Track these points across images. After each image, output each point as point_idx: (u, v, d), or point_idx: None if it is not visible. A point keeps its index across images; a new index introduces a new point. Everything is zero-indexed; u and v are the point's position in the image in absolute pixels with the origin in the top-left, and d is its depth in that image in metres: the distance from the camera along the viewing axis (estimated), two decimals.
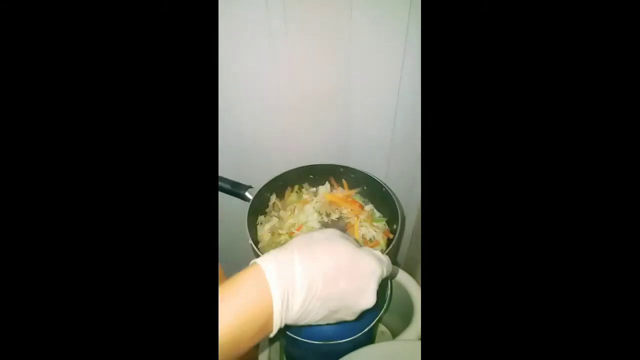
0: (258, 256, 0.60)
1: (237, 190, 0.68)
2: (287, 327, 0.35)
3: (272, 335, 0.34)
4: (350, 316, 0.37)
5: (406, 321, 0.83)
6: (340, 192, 0.74)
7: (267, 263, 0.34)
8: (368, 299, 0.36)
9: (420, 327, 0.81)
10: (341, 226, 0.68)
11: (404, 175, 0.85)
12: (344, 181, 0.75)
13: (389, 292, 0.77)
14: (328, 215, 0.70)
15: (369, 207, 0.73)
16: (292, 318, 0.34)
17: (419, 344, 0.72)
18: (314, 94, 0.71)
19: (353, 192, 0.74)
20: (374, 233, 0.68)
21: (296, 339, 0.69)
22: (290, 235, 0.67)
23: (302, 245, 0.36)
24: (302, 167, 0.74)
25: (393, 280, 0.80)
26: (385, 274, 0.38)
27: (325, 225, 0.69)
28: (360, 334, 0.70)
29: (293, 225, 0.69)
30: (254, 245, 0.62)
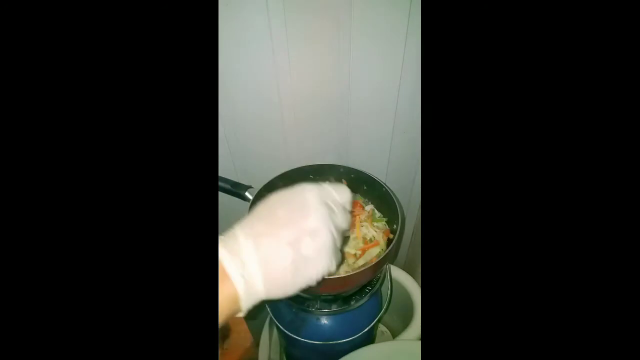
0: None
1: (237, 190, 0.68)
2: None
3: (243, 304, 0.31)
4: (318, 240, 0.33)
5: (406, 321, 0.84)
6: None
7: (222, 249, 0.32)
8: (315, 209, 0.34)
9: (420, 327, 0.81)
10: None
11: (404, 175, 0.85)
12: (344, 181, 0.76)
13: (389, 292, 0.77)
14: None
15: (369, 207, 0.73)
16: (258, 275, 0.31)
17: (418, 343, 0.72)
18: (314, 94, 0.71)
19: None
20: (374, 233, 0.68)
21: (296, 339, 0.70)
22: None
23: (243, 219, 0.35)
24: (302, 167, 0.74)
25: (393, 280, 0.80)
26: (335, 195, 0.36)
27: None
28: (360, 334, 0.70)
29: None
30: None
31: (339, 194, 0.38)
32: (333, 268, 0.35)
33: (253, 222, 0.34)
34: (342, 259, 0.36)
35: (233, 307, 0.31)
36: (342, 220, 0.36)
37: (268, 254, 0.32)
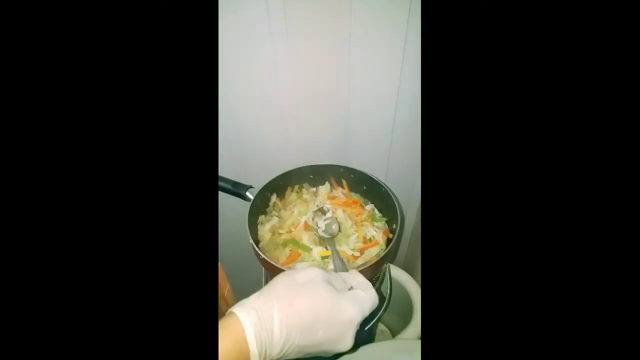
0: (259, 256, 0.61)
1: (237, 190, 0.68)
2: None
3: None
4: (326, 355, 0.38)
5: (406, 321, 0.84)
6: (341, 199, 0.74)
7: (245, 314, 0.34)
8: (345, 345, 0.37)
9: (420, 326, 0.81)
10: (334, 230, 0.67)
11: (404, 175, 0.85)
12: (344, 181, 0.76)
13: (389, 291, 0.77)
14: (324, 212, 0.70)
15: (369, 206, 0.73)
16: None
17: (418, 343, 0.72)
18: (314, 94, 0.71)
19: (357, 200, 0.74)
20: (374, 233, 0.68)
21: None
22: (290, 235, 0.67)
23: (282, 292, 0.36)
24: (302, 167, 0.74)
25: (393, 280, 0.80)
26: (367, 313, 0.39)
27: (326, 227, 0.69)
28: (360, 333, 0.70)
29: (293, 224, 0.69)
30: (254, 245, 0.62)
31: (370, 307, 0.39)
32: None
33: (293, 322, 0.35)
34: None
35: None
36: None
37: (289, 353, 0.35)
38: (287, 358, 0.36)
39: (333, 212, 0.70)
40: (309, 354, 0.37)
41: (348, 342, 0.37)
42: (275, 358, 0.35)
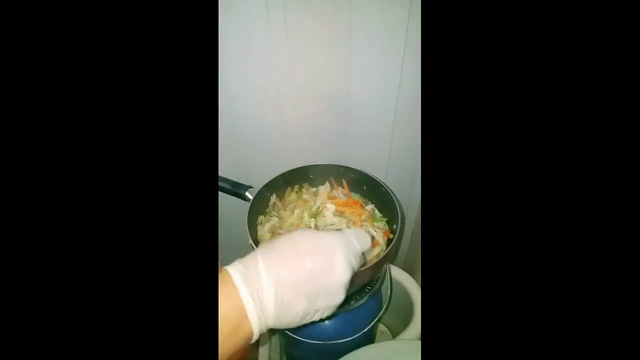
0: None
1: (237, 190, 0.68)
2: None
3: (255, 337, 0.34)
4: (333, 299, 0.37)
5: (406, 321, 0.84)
6: (341, 199, 0.74)
7: (232, 266, 0.35)
8: (340, 272, 0.36)
9: (420, 326, 0.81)
10: None
11: (404, 175, 0.85)
12: (344, 181, 0.75)
13: (389, 292, 0.77)
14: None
15: (370, 206, 0.73)
16: (272, 315, 0.34)
17: (418, 343, 0.72)
18: (314, 94, 0.71)
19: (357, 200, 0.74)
20: (374, 233, 0.68)
21: (296, 338, 0.70)
22: None
23: (264, 246, 0.37)
24: (302, 167, 0.74)
25: (393, 280, 0.80)
26: (354, 242, 0.39)
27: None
28: (360, 334, 0.70)
29: (293, 224, 0.69)
30: (254, 245, 0.62)
31: (361, 243, 0.40)
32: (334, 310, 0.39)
33: (278, 262, 0.35)
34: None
35: (247, 342, 0.34)
36: (357, 268, 0.39)
37: (286, 302, 0.34)
38: (292, 317, 0.35)
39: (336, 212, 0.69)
40: (311, 299, 0.35)
41: (341, 269, 0.36)
42: (275, 310, 0.34)
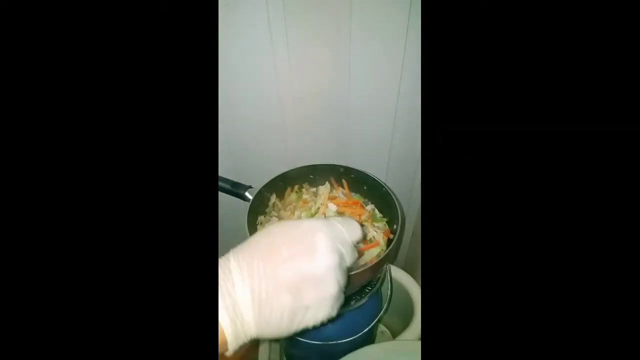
0: None
1: (237, 190, 0.68)
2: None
3: (230, 346, 0.29)
4: (321, 290, 0.31)
5: (406, 321, 0.84)
6: (341, 199, 0.74)
7: None
8: (322, 255, 0.30)
9: (420, 327, 0.81)
10: None
11: (404, 175, 0.85)
12: (344, 181, 0.75)
13: (389, 292, 0.77)
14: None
15: (370, 206, 0.73)
16: (251, 317, 0.29)
17: (418, 343, 0.72)
18: (314, 94, 0.71)
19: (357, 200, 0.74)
20: (375, 233, 0.67)
21: (296, 339, 0.70)
22: None
23: (239, 246, 0.33)
24: (302, 167, 0.74)
25: (393, 280, 0.80)
26: (346, 235, 0.33)
27: None
28: (360, 334, 0.70)
29: None
30: None
31: (350, 232, 0.34)
32: (334, 314, 0.33)
33: (252, 254, 0.30)
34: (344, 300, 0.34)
35: (222, 350, 0.29)
36: (350, 262, 0.34)
37: (265, 298, 0.29)
38: (277, 317, 0.30)
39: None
40: (296, 293, 0.30)
41: (323, 254, 0.30)
42: (255, 306, 0.29)
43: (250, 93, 0.70)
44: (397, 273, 0.90)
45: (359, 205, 0.73)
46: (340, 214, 0.70)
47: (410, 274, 0.91)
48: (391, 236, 0.68)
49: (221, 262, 0.31)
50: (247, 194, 0.67)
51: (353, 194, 0.76)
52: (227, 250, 0.32)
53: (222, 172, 0.70)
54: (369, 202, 0.74)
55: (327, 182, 0.76)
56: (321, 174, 0.76)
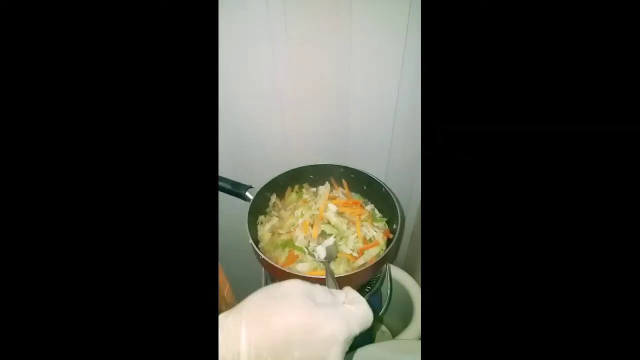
0: (258, 256, 0.61)
1: (237, 190, 0.68)
2: None
3: None
4: None
5: (406, 321, 0.84)
6: (341, 199, 0.74)
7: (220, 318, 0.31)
8: None
9: (420, 326, 0.81)
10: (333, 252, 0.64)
11: (404, 175, 0.85)
12: (344, 181, 0.76)
13: (389, 292, 0.77)
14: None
15: (369, 206, 0.73)
16: None
17: (419, 343, 0.72)
18: (314, 95, 0.71)
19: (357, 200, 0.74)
20: (374, 233, 0.68)
21: None
22: (290, 235, 0.67)
23: (253, 309, 0.32)
24: (302, 167, 0.74)
25: (393, 280, 0.80)
26: (356, 330, 0.34)
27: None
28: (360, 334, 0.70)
29: (293, 224, 0.69)
30: (254, 245, 0.62)
31: (362, 325, 0.34)
32: None
33: (262, 330, 0.31)
34: None
35: None
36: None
37: None
38: None
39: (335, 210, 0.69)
40: None
41: None
42: None
43: (251, 93, 0.70)
44: (397, 273, 0.90)
45: (358, 205, 0.73)
46: (340, 214, 0.70)
47: (410, 274, 0.91)
48: (391, 236, 0.68)
49: (232, 324, 0.31)
50: (247, 193, 0.67)
51: (353, 194, 0.76)
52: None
53: (222, 172, 0.70)
54: (369, 202, 0.74)
55: (327, 182, 0.76)
56: (321, 174, 0.76)
